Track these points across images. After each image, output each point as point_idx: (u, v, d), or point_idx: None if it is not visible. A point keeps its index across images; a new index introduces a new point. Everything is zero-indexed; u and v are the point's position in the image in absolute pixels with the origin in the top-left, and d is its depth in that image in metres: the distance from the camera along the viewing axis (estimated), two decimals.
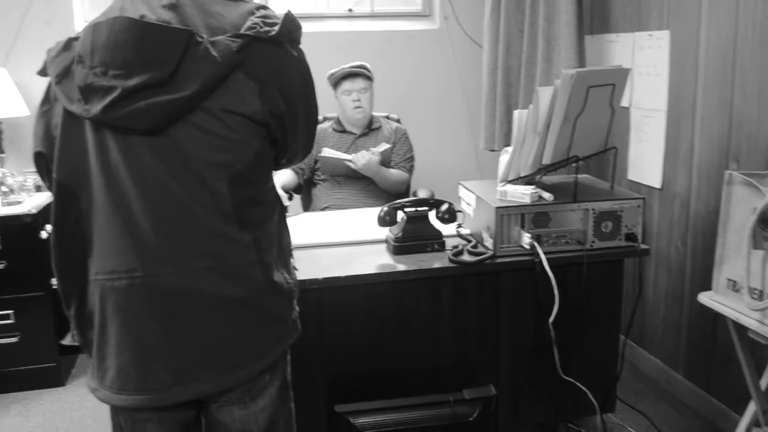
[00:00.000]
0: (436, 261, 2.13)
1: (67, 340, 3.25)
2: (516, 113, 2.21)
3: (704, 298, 2.05)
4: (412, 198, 2.32)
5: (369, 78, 3.28)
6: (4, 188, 3.20)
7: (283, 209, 1.54)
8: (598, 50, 3.36)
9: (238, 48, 1.26)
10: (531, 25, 3.37)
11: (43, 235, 3.11)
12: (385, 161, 3.22)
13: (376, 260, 2.16)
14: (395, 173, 3.26)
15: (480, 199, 2.23)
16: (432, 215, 2.26)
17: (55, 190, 1.35)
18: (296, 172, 3.29)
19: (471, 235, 2.32)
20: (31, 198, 3.26)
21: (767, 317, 1.83)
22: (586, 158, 2.29)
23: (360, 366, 2.14)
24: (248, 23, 1.29)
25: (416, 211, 2.24)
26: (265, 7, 1.36)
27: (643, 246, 2.22)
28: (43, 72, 1.35)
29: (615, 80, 2.19)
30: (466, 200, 2.37)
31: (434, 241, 2.22)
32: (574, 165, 2.20)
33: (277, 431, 1.51)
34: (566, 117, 2.05)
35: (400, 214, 2.25)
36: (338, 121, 3.37)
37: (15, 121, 3.50)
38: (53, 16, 3.52)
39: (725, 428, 2.55)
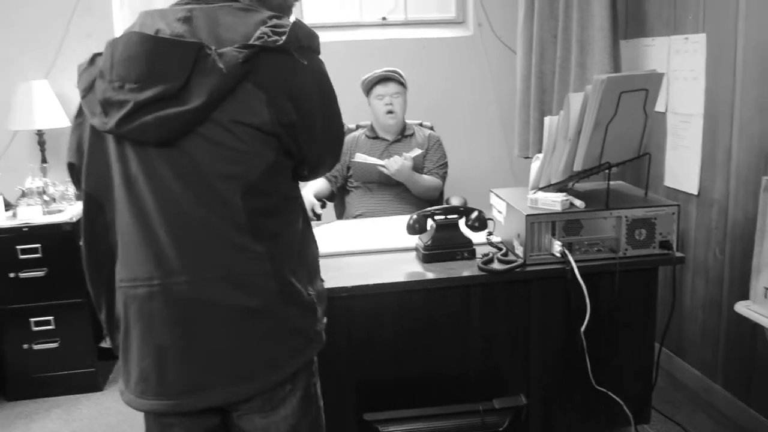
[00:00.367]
0: (466, 269, 2.12)
1: (105, 343, 3.31)
2: (547, 120, 2.19)
3: (741, 307, 2.00)
4: (441, 206, 2.31)
5: (402, 83, 3.29)
6: (45, 197, 3.28)
7: (308, 220, 1.53)
8: (633, 55, 3.32)
9: (245, 58, 1.25)
10: (564, 31, 3.34)
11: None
12: (417, 167, 3.22)
13: (406, 268, 2.16)
14: (428, 179, 3.25)
15: (510, 207, 2.22)
16: (462, 223, 2.25)
17: (84, 201, 1.41)
18: (329, 180, 3.31)
19: (502, 242, 2.30)
20: (72, 207, 3.34)
21: None
22: (618, 165, 2.26)
23: (389, 374, 2.14)
24: (257, 33, 1.28)
25: (446, 219, 2.24)
26: (278, 17, 1.34)
27: (679, 254, 2.18)
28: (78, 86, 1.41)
29: (648, 85, 2.16)
30: (497, 208, 2.36)
31: (464, 249, 2.21)
32: (606, 172, 2.17)
33: None
34: (597, 123, 2.03)
35: (429, 222, 2.24)
36: (371, 128, 3.38)
37: (57, 132, 3.59)
38: (94, 28, 3.61)
39: None
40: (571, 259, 2.05)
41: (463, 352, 2.17)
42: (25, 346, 3.17)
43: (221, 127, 1.27)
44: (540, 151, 2.22)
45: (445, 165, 3.36)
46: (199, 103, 1.24)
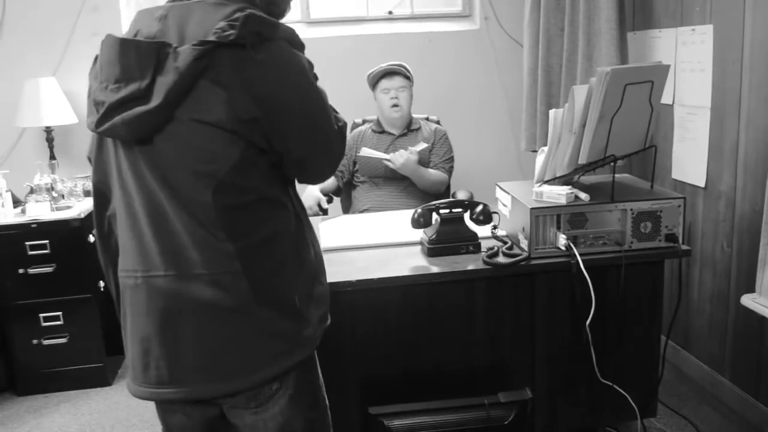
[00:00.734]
0: (471, 263, 2.12)
1: None
2: (552, 112, 2.18)
3: (747, 300, 2.00)
4: (446, 200, 2.30)
5: (407, 77, 3.29)
6: (54, 194, 3.30)
7: (306, 222, 1.49)
8: (640, 47, 3.30)
9: (198, 55, 1.24)
10: (571, 23, 3.33)
11: (91, 239, 3.20)
12: (423, 161, 3.22)
13: (411, 262, 2.16)
14: (434, 173, 3.25)
15: (515, 200, 2.21)
16: (467, 217, 2.25)
17: (93, 193, 1.47)
18: (335, 175, 3.31)
19: (507, 236, 2.30)
20: (80, 203, 3.36)
21: None
22: (623, 157, 2.25)
23: (394, 368, 2.15)
24: (214, 28, 1.26)
25: (451, 212, 2.24)
26: (242, 9, 1.30)
27: (685, 247, 2.17)
28: None
29: (654, 77, 2.15)
30: (503, 201, 2.36)
31: (469, 243, 2.21)
32: (612, 164, 2.16)
33: None
34: (602, 115, 2.02)
35: (434, 216, 2.24)
36: (378, 122, 3.38)
37: (65, 129, 3.62)
38: (101, 26, 3.61)
39: None
40: (576, 252, 2.04)
41: (468, 345, 2.17)
42: (35, 341, 3.19)
43: (185, 125, 1.29)
44: (546, 145, 2.22)
45: (451, 159, 3.36)
46: (159, 102, 1.27)
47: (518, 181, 2.51)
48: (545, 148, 2.24)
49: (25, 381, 3.25)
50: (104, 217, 1.47)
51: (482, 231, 2.27)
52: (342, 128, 1.48)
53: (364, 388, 2.12)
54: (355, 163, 3.33)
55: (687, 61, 2.91)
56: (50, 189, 3.29)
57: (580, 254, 2.04)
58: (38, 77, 3.51)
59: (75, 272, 3.18)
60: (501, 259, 2.12)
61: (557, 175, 2.18)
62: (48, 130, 3.60)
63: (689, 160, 2.95)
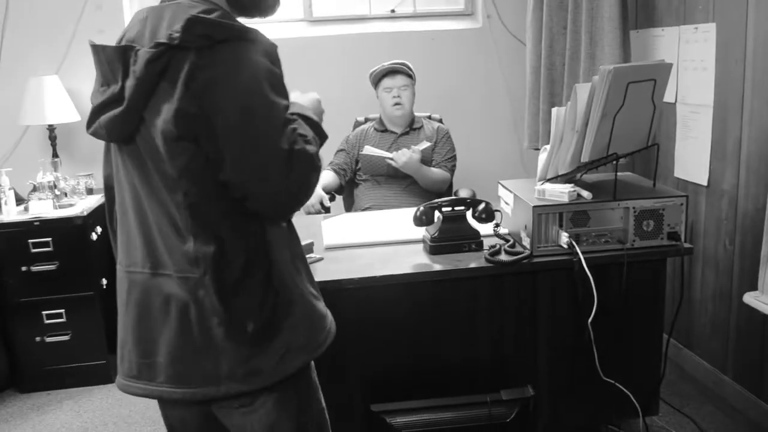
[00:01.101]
0: (473, 261, 2.12)
1: None
2: (554, 111, 2.18)
3: (750, 298, 2.00)
4: (448, 198, 2.31)
5: (410, 76, 3.29)
6: (57, 192, 3.30)
7: (270, 262, 1.36)
8: (643, 45, 3.30)
9: (151, 58, 1.24)
10: (574, 22, 3.32)
11: (93, 236, 3.20)
12: (426, 160, 3.22)
13: (413, 260, 2.16)
14: (436, 172, 3.25)
15: (518, 198, 2.21)
16: (469, 215, 2.25)
17: (104, 188, 1.51)
18: (338, 173, 3.32)
19: (509, 234, 2.30)
20: (83, 201, 3.37)
21: None
22: (626, 156, 2.25)
23: (396, 365, 2.15)
24: (169, 30, 1.25)
25: (453, 210, 2.24)
26: (215, 9, 1.28)
27: (687, 245, 2.17)
28: None
29: (656, 75, 2.15)
30: (505, 199, 2.36)
31: (471, 241, 2.21)
32: (614, 163, 2.16)
33: None
34: (605, 114, 2.02)
35: (436, 214, 2.24)
36: (380, 121, 3.39)
37: (67, 127, 3.62)
38: (105, 25, 3.62)
39: None
40: (578, 250, 2.04)
41: (471, 343, 2.17)
42: (38, 338, 3.20)
43: (151, 127, 1.30)
44: (548, 143, 2.22)
45: (454, 158, 3.36)
46: (124, 105, 1.30)
47: (521, 179, 2.50)
48: (548, 147, 2.24)
49: (28, 378, 3.25)
50: (113, 212, 1.50)
51: (484, 229, 2.27)
52: (300, 151, 1.30)
53: (366, 385, 2.12)
54: (357, 161, 3.34)
55: (690, 59, 2.91)
56: (53, 187, 3.30)
57: (583, 252, 2.04)
58: (41, 75, 3.51)
59: (78, 270, 3.18)
60: (503, 257, 2.12)
61: (560, 173, 2.18)
62: (51, 128, 3.60)
63: (692, 159, 2.95)
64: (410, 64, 3.31)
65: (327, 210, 3.14)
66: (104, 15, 3.65)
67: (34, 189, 3.27)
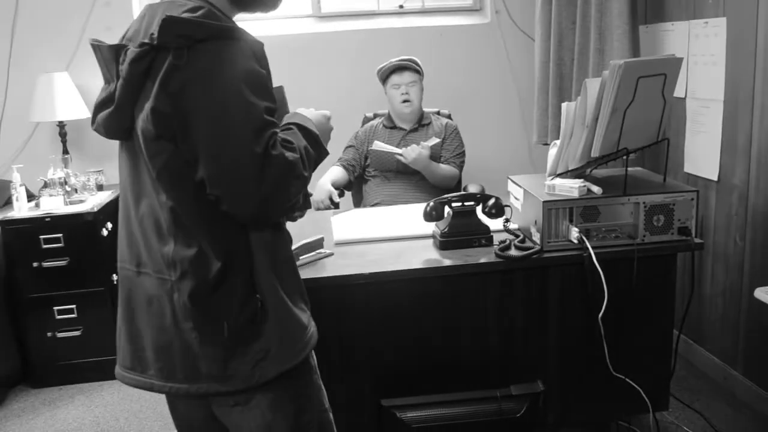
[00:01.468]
0: (483, 256, 2.12)
1: None
2: (564, 106, 2.18)
3: (760, 293, 1.99)
4: (458, 193, 2.31)
5: (418, 72, 3.29)
6: (67, 188, 3.32)
7: (249, 268, 1.35)
8: (653, 40, 3.28)
9: (135, 57, 1.24)
10: (583, 17, 3.32)
11: (104, 232, 3.22)
12: (435, 156, 3.22)
13: (423, 255, 2.17)
14: (445, 168, 3.25)
15: (528, 194, 2.21)
16: (479, 210, 2.25)
17: (120, 182, 1.53)
18: (347, 169, 3.32)
19: (519, 229, 2.30)
20: (93, 197, 3.38)
21: None
22: (636, 150, 2.24)
23: (406, 361, 2.15)
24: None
25: (463, 205, 2.24)
26: (195, 9, 1.26)
27: (697, 240, 2.16)
28: None
29: (666, 70, 2.14)
30: (515, 194, 2.36)
31: (481, 236, 2.21)
32: (624, 158, 2.16)
33: None
34: (615, 108, 2.02)
35: (446, 209, 2.24)
36: (389, 117, 3.39)
37: (77, 123, 3.63)
38: (114, 22, 3.62)
39: None
40: (588, 245, 2.04)
41: (480, 338, 2.17)
42: (49, 334, 3.22)
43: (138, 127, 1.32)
44: (558, 138, 2.21)
45: (463, 154, 3.36)
46: (115, 104, 1.32)
47: (530, 174, 2.50)
48: (557, 142, 2.23)
49: (40, 374, 3.28)
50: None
51: (494, 224, 2.27)
52: (277, 156, 1.26)
53: (376, 380, 2.13)
54: (366, 157, 3.34)
55: (700, 54, 2.90)
56: (63, 183, 3.32)
57: (593, 247, 2.04)
58: (51, 72, 3.53)
59: (88, 265, 3.20)
60: (513, 252, 2.12)
61: (569, 168, 2.18)
62: (61, 125, 3.62)
63: (702, 154, 2.94)
64: (418, 60, 3.31)
65: (336, 206, 3.15)
66: (113, 12, 3.66)
67: (45, 185, 3.29)
